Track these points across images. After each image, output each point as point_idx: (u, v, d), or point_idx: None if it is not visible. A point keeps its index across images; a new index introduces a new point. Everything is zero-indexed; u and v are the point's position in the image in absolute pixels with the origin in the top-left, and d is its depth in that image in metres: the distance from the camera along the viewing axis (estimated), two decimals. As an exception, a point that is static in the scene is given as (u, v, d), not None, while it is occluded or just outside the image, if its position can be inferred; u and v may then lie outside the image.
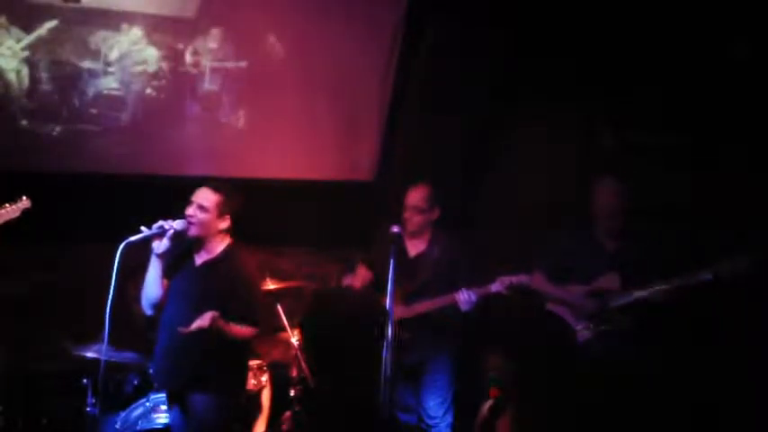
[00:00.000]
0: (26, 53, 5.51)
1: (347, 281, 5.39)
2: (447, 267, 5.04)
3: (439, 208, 5.09)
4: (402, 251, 4.96)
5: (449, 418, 5.20)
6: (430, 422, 5.17)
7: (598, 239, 4.88)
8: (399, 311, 4.83)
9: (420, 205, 5.04)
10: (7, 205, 4.86)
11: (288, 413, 5.36)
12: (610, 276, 4.75)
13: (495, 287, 4.88)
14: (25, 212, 4.87)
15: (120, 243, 4.18)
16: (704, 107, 5.21)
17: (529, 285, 4.87)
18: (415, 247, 5.11)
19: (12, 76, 5.56)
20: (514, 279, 4.87)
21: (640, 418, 4.69)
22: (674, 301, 4.61)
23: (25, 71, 5.56)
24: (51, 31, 5.47)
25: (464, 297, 4.87)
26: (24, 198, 4.90)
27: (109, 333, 4.13)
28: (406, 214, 5.04)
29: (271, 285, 5.36)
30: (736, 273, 4.46)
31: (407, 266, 4.97)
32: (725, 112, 5.19)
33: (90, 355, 4.80)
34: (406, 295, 4.98)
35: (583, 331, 4.78)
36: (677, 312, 4.71)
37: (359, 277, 5.24)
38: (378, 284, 5.04)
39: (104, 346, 4.16)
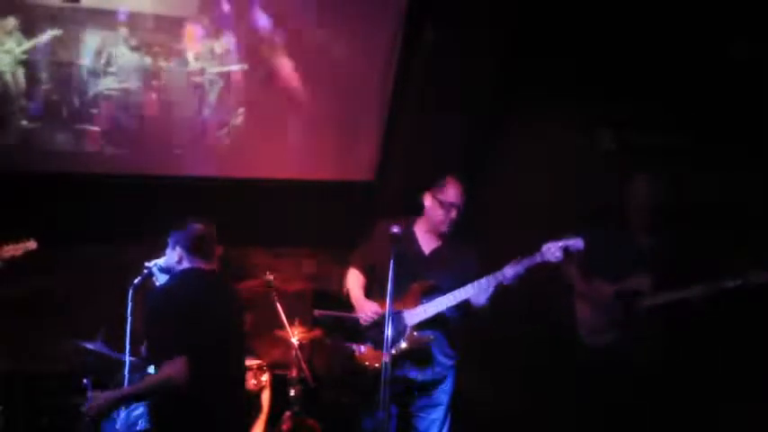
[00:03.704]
0: (25, 55, 5.52)
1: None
2: (459, 267, 4.58)
3: None
4: (417, 248, 4.68)
5: None
6: None
7: (630, 237, 4.85)
8: (420, 313, 4.51)
9: (461, 202, 4.65)
10: (12, 246, 4.95)
11: (288, 413, 5.37)
12: (640, 278, 4.72)
13: (541, 257, 4.31)
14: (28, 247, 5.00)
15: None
16: (704, 107, 5.21)
17: (583, 251, 4.34)
18: (431, 244, 4.73)
19: (8, 78, 5.56)
20: (570, 242, 4.30)
21: (665, 421, 4.66)
22: (703, 305, 4.55)
23: (21, 72, 5.56)
24: (53, 37, 5.49)
25: (482, 285, 4.34)
26: (31, 240, 4.99)
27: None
28: (448, 212, 4.62)
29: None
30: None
31: (424, 263, 4.63)
32: (725, 111, 5.18)
33: (89, 355, 4.80)
34: (424, 293, 4.56)
35: (609, 332, 4.73)
36: (706, 316, 4.65)
37: (356, 284, 4.78)
38: (375, 286, 4.71)
39: (127, 357, 4.23)
